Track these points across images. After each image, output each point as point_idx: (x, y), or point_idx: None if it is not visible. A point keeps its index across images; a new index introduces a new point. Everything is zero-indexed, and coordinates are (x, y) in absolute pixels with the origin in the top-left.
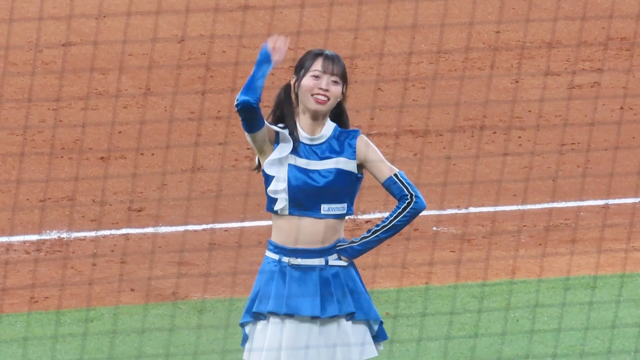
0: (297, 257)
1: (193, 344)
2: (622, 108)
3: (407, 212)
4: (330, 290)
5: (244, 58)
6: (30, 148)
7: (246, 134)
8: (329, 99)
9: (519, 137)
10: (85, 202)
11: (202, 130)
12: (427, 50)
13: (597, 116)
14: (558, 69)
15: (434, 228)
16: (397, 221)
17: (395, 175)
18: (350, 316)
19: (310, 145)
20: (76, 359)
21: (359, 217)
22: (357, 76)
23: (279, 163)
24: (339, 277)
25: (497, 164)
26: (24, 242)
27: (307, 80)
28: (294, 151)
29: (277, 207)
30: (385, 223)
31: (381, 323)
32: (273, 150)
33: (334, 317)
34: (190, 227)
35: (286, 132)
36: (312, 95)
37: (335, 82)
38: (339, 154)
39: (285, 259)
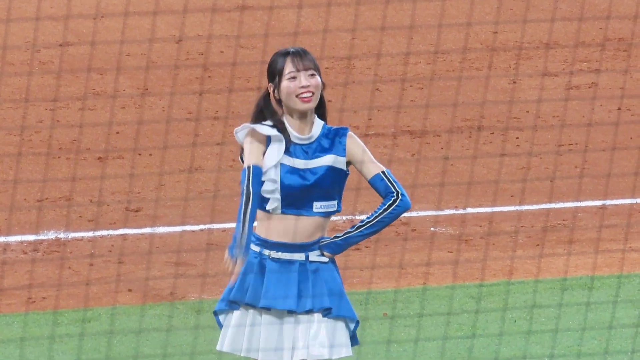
0: (277, 251)
1: (190, 344)
2: (619, 109)
3: (393, 209)
4: (308, 285)
5: (241, 58)
6: (28, 148)
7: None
8: (313, 94)
9: (517, 137)
10: (82, 202)
11: (199, 130)
12: (424, 50)
13: (595, 117)
14: (555, 69)
15: (432, 228)
16: (381, 218)
17: (383, 172)
18: (327, 312)
19: (301, 145)
20: (73, 359)
21: (357, 217)
22: (354, 76)
23: (274, 166)
24: (319, 273)
25: (494, 165)
26: (22, 242)
27: (285, 85)
28: (286, 151)
29: (269, 206)
30: (370, 219)
31: (357, 325)
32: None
33: (310, 312)
34: (188, 228)
35: (277, 133)
36: (296, 96)
37: (311, 75)
38: (329, 151)
39: (265, 252)
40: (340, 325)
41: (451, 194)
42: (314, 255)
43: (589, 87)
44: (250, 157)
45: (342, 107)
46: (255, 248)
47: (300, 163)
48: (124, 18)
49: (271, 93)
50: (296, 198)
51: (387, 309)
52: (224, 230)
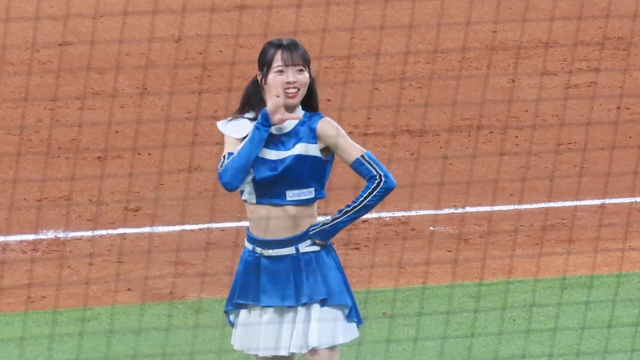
0: (268, 249)
1: (190, 344)
2: (618, 108)
3: (377, 192)
4: (302, 278)
5: (240, 58)
6: (27, 148)
7: None
8: (298, 89)
9: (516, 136)
10: (81, 202)
11: (198, 129)
12: (423, 49)
13: (594, 116)
14: (555, 68)
15: (431, 228)
16: (367, 201)
17: (362, 156)
18: (324, 302)
19: (278, 135)
20: (73, 359)
21: None
22: (354, 76)
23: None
24: (311, 264)
25: (493, 164)
26: (21, 241)
27: (272, 77)
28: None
29: (244, 197)
30: (356, 203)
31: (351, 308)
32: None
33: (307, 304)
34: (187, 227)
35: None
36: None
37: (300, 70)
38: (300, 140)
39: (258, 250)
40: (338, 313)
41: (450, 193)
42: (304, 247)
43: (588, 86)
44: (225, 148)
45: (341, 106)
46: (249, 246)
47: (272, 154)
48: (123, 17)
49: (260, 81)
50: (267, 188)
51: (386, 308)
52: (223, 229)
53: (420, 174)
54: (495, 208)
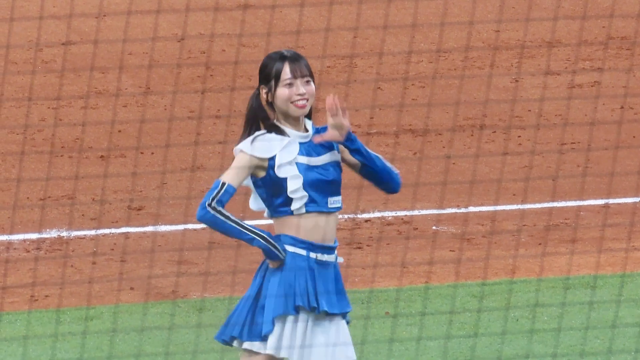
0: (323, 254)
1: (193, 343)
2: (622, 107)
3: (395, 174)
4: (340, 287)
5: (243, 57)
6: (31, 147)
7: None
8: (307, 100)
9: (519, 136)
10: (85, 201)
11: (201, 129)
12: (426, 49)
13: (598, 115)
14: (558, 68)
15: (434, 227)
16: (381, 162)
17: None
18: (347, 313)
19: (305, 143)
20: (76, 358)
21: (359, 216)
22: (356, 75)
23: (289, 164)
24: (339, 274)
25: (497, 164)
26: (24, 240)
27: (282, 91)
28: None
29: (294, 206)
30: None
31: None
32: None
33: (334, 314)
34: (190, 226)
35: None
36: (291, 102)
37: (307, 81)
38: (330, 147)
39: (313, 255)
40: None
41: (453, 193)
42: (335, 257)
43: (592, 86)
44: (230, 174)
45: (344, 105)
46: (301, 252)
47: (314, 160)
48: (126, 17)
49: (263, 95)
50: (316, 195)
51: (389, 308)
52: None
53: (423, 173)
54: (499, 208)
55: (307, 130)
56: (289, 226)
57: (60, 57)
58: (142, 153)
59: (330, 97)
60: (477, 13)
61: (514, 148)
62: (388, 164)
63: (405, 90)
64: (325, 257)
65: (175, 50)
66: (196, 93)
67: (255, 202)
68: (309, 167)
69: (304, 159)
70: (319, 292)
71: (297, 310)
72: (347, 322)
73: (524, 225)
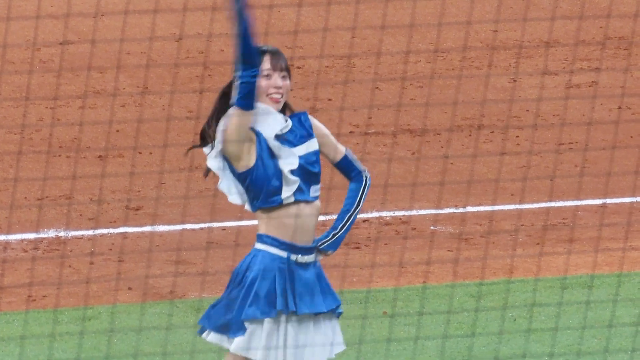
0: (303, 255)
1: (190, 343)
2: (619, 107)
3: (367, 187)
4: (323, 285)
5: None
6: (28, 146)
7: (232, 131)
8: (282, 95)
9: (517, 136)
10: (82, 201)
11: (200, 129)
12: (424, 49)
13: (595, 115)
14: (556, 68)
15: (432, 227)
16: (363, 199)
17: (347, 152)
18: (337, 309)
19: (294, 131)
20: (74, 358)
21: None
22: (354, 75)
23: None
24: (322, 271)
25: (494, 163)
26: (22, 240)
27: (259, 82)
28: (277, 139)
29: (284, 194)
30: (355, 204)
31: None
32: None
33: (319, 313)
34: (188, 226)
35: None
36: (267, 95)
37: (284, 76)
38: (309, 136)
39: (293, 257)
40: (336, 321)
41: (451, 193)
42: (317, 255)
43: (589, 86)
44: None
45: (342, 105)
46: (281, 253)
47: (299, 149)
48: (124, 16)
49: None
50: (303, 182)
51: (387, 308)
52: (224, 229)
53: (421, 173)
54: (496, 208)
55: (286, 121)
56: (275, 222)
57: (57, 56)
58: (140, 153)
59: None
60: (475, 13)
61: (512, 148)
62: (362, 188)
63: (403, 90)
64: (305, 259)
65: (173, 50)
66: (194, 93)
67: (239, 196)
68: (293, 155)
69: (288, 147)
70: (298, 294)
71: (277, 313)
72: (338, 315)
73: (522, 225)
